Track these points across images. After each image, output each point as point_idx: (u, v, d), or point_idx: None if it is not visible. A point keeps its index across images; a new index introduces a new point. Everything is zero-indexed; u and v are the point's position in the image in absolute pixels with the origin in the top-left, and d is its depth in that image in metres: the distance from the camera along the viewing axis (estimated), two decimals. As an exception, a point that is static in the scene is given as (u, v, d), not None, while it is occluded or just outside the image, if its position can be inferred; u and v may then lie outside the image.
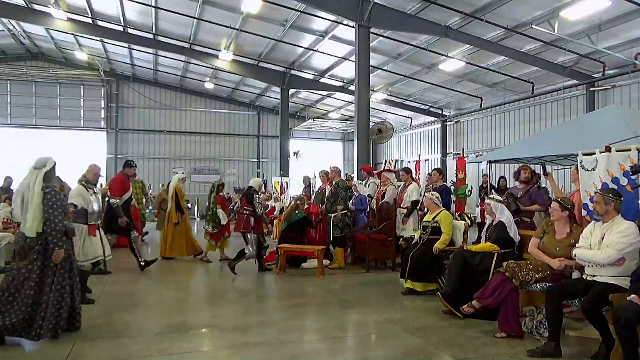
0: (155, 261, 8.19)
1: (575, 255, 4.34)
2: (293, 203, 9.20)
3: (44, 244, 4.39)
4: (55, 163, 4.65)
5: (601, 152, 4.82)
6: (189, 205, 11.33)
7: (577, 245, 4.40)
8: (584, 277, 4.29)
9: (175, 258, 9.28)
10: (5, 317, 4.27)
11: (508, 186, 10.30)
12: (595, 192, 4.48)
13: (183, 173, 10.11)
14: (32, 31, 19.67)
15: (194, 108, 25.70)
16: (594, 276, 4.16)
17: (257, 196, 8.06)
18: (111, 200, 7.85)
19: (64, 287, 4.51)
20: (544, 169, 7.46)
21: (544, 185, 9.67)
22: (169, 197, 9.68)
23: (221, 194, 9.59)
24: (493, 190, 8.33)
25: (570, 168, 7.03)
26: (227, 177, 24.28)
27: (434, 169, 8.89)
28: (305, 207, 9.35)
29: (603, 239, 4.15)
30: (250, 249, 7.89)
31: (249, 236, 7.94)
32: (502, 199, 5.83)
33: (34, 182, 4.42)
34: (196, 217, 20.58)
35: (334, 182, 8.97)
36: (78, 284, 4.78)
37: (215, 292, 7.09)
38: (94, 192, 6.17)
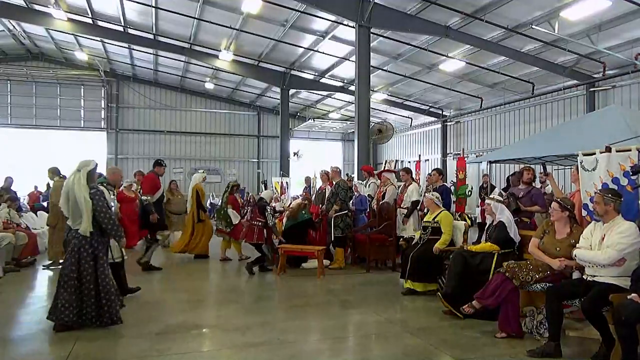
0: (159, 270, 8.25)
1: (575, 256, 4.34)
2: (300, 202, 9.19)
3: (87, 239, 4.74)
4: (96, 164, 5.01)
5: (601, 152, 4.82)
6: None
7: (577, 245, 4.40)
8: (584, 277, 4.29)
9: (200, 257, 9.41)
10: (73, 312, 4.68)
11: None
12: (595, 192, 4.48)
13: (203, 171, 10.12)
14: (32, 31, 19.69)
15: (194, 108, 25.72)
16: (594, 276, 4.16)
17: (269, 207, 8.14)
18: (143, 197, 8.16)
19: (107, 276, 4.91)
20: (544, 169, 7.45)
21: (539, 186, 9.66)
22: (189, 196, 9.70)
23: (235, 194, 9.68)
24: (501, 190, 8.32)
25: (570, 168, 7.02)
26: (227, 177, 24.27)
27: (434, 169, 8.89)
28: (309, 206, 9.35)
29: (603, 239, 4.15)
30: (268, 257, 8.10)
31: (263, 248, 8.06)
32: (502, 199, 5.82)
33: (78, 183, 4.75)
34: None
35: (334, 182, 8.97)
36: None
37: (215, 292, 7.09)
38: (114, 194, 6.28)
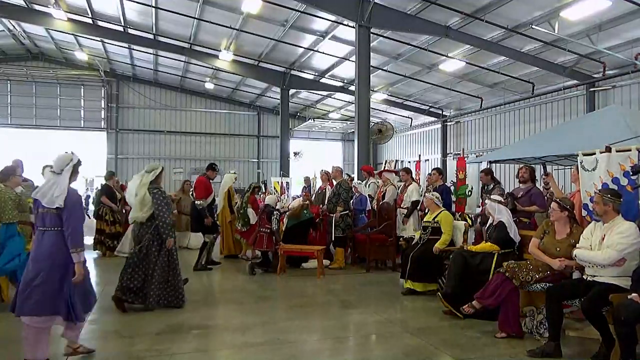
0: (219, 264, 8.60)
1: (575, 256, 4.34)
2: (302, 201, 9.19)
3: (154, 233, 5.48)
4: (162, 168, 5.77)
5: (601, 152, 4.82)
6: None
7: (577, 245, 4.40)
8: (584, 277, 4.30)
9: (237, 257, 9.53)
10: (131, 290, 5.45)
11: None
12: (595, 192, 4.48)
13: (234, 172, 10.09)
14: (32, 31, 19.68)
15: (194, 108, 25.72)
16: (594, 276, 4.17)
17: (276, 212, 8.11)
18: (196, 202, 8.25)
19: (166, 266, 5.56)
20: (544, 169, 7.44)
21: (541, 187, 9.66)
22: (220, 197, 9.68)
23: (256, 195, 9.75)
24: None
25: (570, 168, 7.02)
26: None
27: (433, 169, 8.88)
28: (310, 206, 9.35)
29: (603, 239, 4.15)
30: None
31: (269, 254, 8.11)
32: (500, 199, 5.80)
33: (143, 183, 5.50)
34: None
35: (334, 182, 8.97)
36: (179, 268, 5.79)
37: (215, 292, 7.09)
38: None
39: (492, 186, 7.66)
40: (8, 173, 5.88)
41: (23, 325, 3.78)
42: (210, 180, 8.60)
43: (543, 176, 7.95)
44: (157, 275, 5.48)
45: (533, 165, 7.42)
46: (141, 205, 5.44)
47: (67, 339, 4.09)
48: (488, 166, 9.74)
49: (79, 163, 3.94)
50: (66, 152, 3.97)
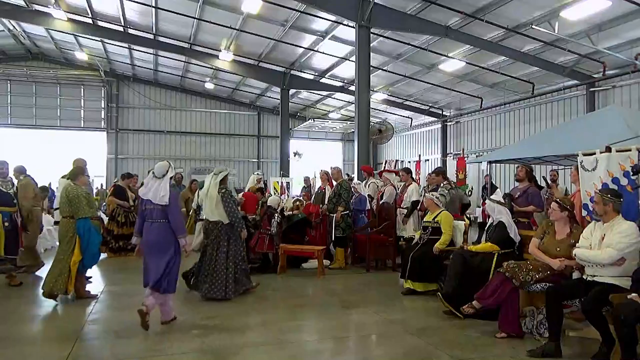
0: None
1: (575, 255, 4.34)
2: (293, 202, 9.21)
3: (220, 229, 6.06)
4: (228, 171, 6.37)
5: (601, 152, 4.82)
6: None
7: (577, 245, 4.40)
8: (584, 277, 4.30)
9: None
10: (206, 285, 5.98)
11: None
12: (595, 192, 4.48)
13: (258, 173, 10.04)
14: (32, 31, 19.68)
15: (194, 108, 25.72)
16: (594, 276, 4.17)
17: (277, 215, 8.11)
18: (248, 217, 8.22)
19: (236, 257, 6.17)
20: (546, 182, 7.42)
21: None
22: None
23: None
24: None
25: (570, 168, 7.01)
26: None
27: (433, 170, 8.88)
28: (303, 206, 9.34)
29: (603, 238, 4.15)
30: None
31: (270, 255, 8.12)
32: (498, 200, 5.79)
33: (213, 185, 6.09)
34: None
35: (334, 183, 8.96)
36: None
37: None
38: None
39: (442, 185, 7.67)
40: (77, 173, 6.27)
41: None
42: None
43: (546, 188, 7.93)
44: (217, 268, 6.01)
45: (532, 165, 7.42)
46: (213, 204, 6.06)
47: (162, 314, 5.03)
48: (488, 166, 9.73)
49: (172, 168, 5.09)
50: (163, 161, 5.12)
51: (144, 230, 4.98)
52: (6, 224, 6.65)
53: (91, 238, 5.98)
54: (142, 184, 6.07)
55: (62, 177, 7.52)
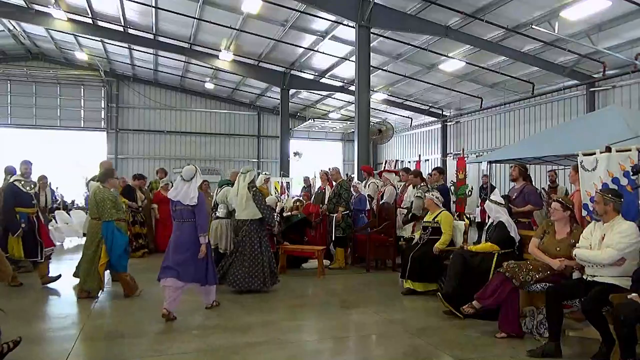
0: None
1: (575, 255, 4.34)
2: (293, 202, 9.20)
3: (250, 226, 6.41)
4: (257, 172, 6.37)
5: (601, 152, 4.82)
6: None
7: (577, 245, 4.40)
8: (584, 277, 4.30)
9: None
10: (242, 277, 6.33)
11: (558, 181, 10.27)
12: (596, 192, 4.48)
13: (266, 173, 10.05)
14: (32, 31, 19.67)
15: (194, 108, 25.71)
16: (594, 276, 4.17)
17: (276, 214, 8.10)
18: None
19: (269, 250, 6.60)
20: (547, 194, 7.41)
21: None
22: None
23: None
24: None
25: (569, 168, 6.98)
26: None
27: (434, 168, 8.89)
28: (303, 206, 9.34)
29: (603, 238, 4.15)
30: None
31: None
32: (497, 200, 5.78)
33: (243, 184, 6.44)
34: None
35: (334, 183, 8.96)
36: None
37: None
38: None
39: (419, 186, 7.75)
40: (107, 175, 6.43)
41: (165, 287, 5.21)
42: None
43: (546, 198, 7.94)
44: (247, 262, 6.36)
45: (526, 165, 7.40)
46: (243, 201, 6.40)
47: (205, 300, 5.64)
48: (488, 166, 9.73)
49: (199, 171, 5.56)
50: (189, 165, 5.63)
51: (174, 229, 5.40)
52: (23, 225, 6.75)
53: (115, 240, 6.09)
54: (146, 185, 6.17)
55: (92, 179, 7.62)
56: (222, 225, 7.10)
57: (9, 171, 7.59)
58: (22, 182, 6.91)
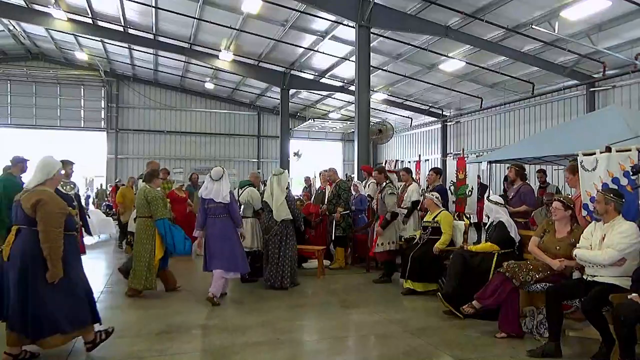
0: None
1: (575, 255, 4.34)
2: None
3: (281, 225, 6.72)
4: (287, 172, 7.07)
5: (601, 152, 4.82)
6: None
7: (577, 245, 4.40)
8: (584, 277, 4.30)
9: None
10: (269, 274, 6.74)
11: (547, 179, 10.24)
12: (597, 192, 4.47)
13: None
14: (32, 31, 19.68)
15: (194, 108, 25.73)
16: (594, 276, 4.17)
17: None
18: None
19: (294, 251, 6.94)
20: (546, 205, 7.40)
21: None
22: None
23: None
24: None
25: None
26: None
27: (431, 169, 8.87)
28: (303, 206, 9.33)
29: (603, 239, 4.15)
30: None
31: None
32: (500, 201, 5.78)
33: (277, 187, 6.72)
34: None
35: (333, 183, 8.96)
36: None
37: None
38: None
39: (384, 184, 7.67)
40: (153, 175, 6.60)
41: (213, 275, 5.97)
42: None
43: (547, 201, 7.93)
44: (281, 259, 6.69)
45: (523, 165, 7.39)
46: (279, 203, 6.69)
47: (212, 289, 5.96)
48: (488, 166, 9.71)
49: (226, 172, 6.14)
50: (218, 167, 6.17)
51: (208, 225, 6.06)
52: None
53: (174, 234, 6.26)
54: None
55: (139, 177, 7.85)
56: (249, 223, 7.17)
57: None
58: (61, 183, 6.90)
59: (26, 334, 3.76)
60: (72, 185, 7.09)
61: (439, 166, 16.56)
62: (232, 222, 6.07)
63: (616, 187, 4.54)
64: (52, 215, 3.78)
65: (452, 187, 9.12)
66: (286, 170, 7.10)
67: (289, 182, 6.96)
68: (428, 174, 8.79)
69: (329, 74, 18.64)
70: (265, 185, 8.18)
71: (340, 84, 19.58)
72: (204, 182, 6.37)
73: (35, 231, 3.73)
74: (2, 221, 5.86)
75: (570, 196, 6.18)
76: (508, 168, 6.91)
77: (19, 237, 3.80)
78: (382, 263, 7.65)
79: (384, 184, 7.57)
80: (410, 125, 23.57)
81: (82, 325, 4.03)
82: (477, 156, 16.09)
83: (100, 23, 16.82)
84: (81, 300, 4.03)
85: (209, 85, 23.45)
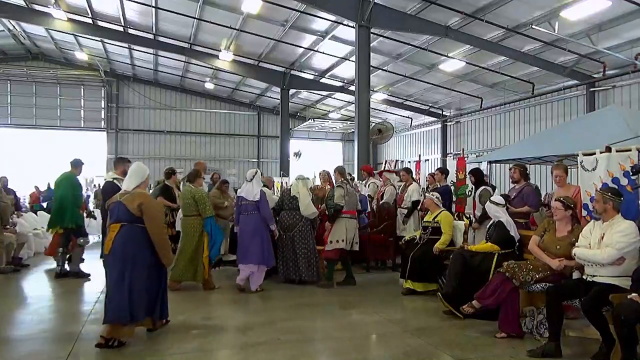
0: None
1: (575, 254, 4.34)
2: None
3: (304, 222, 7.07)
4: (308, 177, 7.61)
5: (601, 152, 4.82)
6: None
7: (576, 244, 4.39)
8: (584, 276, 4.29)
9: None
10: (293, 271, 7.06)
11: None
12: (595, 191, 4.47)
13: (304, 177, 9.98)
14: (32, 31, 19.68)
15: (194, 108, 25.72)
16: (594, 276, 4.16)
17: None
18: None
19: (312, 248, 7.13)
20: (546, 205, 7.40)
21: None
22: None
23: None
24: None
25: (571, 169, 6.93)
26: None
27: (437, 169, 8.87)
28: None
29: (602, 238, 4.15)
30: None
31: None
32: (501, 202, 5.77)
33: (302, 186, 7.14)
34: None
35: (335, 184, 8.94)
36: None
37: (215, 292, 7.07)
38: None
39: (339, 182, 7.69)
40: (196, 175, 6.86)
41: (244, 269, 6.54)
42: None
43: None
44: (302, 255, 6.98)
45: (526, 165, 7.38)
46: (305, 203, 7.02)
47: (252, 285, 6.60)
48: (488, 166, 9.71)
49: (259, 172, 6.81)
50: (252, 169, 6.76)
51: (240, 221, 6.61)
52: None
53: (216, 233, 6.63)
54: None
55: (182, 179, 8.14)
56: None
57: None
58: (120, 180, 6.96)
59: (125, 318, 4.22)
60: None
61: (439, 166, 16.58)
62: (261, 218, 6.52)
63: (616, 187, 4.55)
64: (157, 213, 4.53)
65: (452, 187, 9.13)
66: (309, 177, 7.65)
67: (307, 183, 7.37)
68: (432, 174, 8.79)
69: (329, 74, 18.64)
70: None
71: (340, 84, 19.58)
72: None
73: (137, 227, 4.30)
74: (71, 209, 7.24)
75: (545, 191, 6.17)
76: (511, 169, 6.89)
77: (120, 232, 4.30)
78: (328, 263, 7.34)
79: (341, 181, 7.60)
80: (410, 125, 23.57)
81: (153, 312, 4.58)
82: (477, 156, 16.11)
83: (100, 23, 16.82)
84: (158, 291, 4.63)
85: (209, 85, 23.45)
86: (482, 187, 7.48)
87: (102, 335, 4.25)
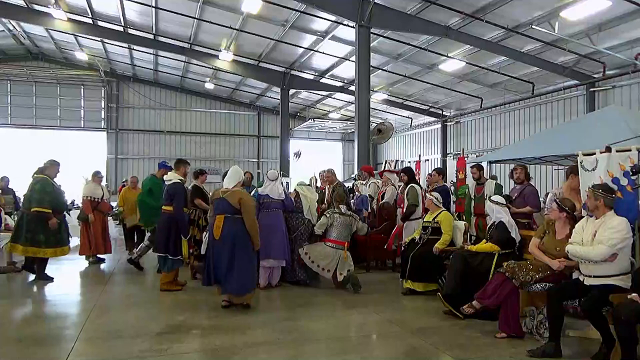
0: None
1: (567, 251, 4.33)
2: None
3: (307, 223, 7.28)
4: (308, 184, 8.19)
5: (601, 152, 4.82)
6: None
7: (569, 240, 4.39)
8: (581, 278, 4.29)
9: None
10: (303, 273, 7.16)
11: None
12: (587, 188, 4.47)
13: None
14: (32, 31, 19.68)
15: (194, 108, 25.72)
16: (589, 276, 4.16)
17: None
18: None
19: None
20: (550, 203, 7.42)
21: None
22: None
23: None
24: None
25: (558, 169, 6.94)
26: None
27: (434, 169, 8.87)
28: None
29: (595, 235, 4.14)
30: None
31: None
32: (502, 201, 5.77)
33: (309, 192, 7.52)
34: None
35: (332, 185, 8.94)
36: None
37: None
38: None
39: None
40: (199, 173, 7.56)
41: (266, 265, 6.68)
42: None
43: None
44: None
45: (526, 165, 7.39)
46: (314, 207, 7.47)
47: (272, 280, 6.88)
48: (488, 166, 9.71)
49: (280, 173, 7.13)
50: (273, 170, 7.17)
51: (262, 217, 6.60)
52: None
53: None
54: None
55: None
56: None
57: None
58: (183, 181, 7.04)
59: (234, 292, 5.51)
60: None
61: (439, 166, 16.58)
62: (282, 215, 6.86)
63: (616, 187, 4.54)
64: (252, 208, 5.65)
65: (452, 187, 9.13)
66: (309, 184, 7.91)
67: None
68: (430, 174, 8.80)
69: (329, 74, 18.64)
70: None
71: (340, 84, 19.58)
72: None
73: (238, 218, 5.46)
74: (152, 208, 7.56)
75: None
76: (515, 169, 6.89)
77: (226, 222, 5.45)
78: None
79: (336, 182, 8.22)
80: (410, 125, 23.57)
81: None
82: (477, 156, 16.09)
83: (100, 23, 16.82)
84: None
85: (209, 85, 23.45)
86: (410, 185, 7.76)
87: (224, 299, 5.62)
